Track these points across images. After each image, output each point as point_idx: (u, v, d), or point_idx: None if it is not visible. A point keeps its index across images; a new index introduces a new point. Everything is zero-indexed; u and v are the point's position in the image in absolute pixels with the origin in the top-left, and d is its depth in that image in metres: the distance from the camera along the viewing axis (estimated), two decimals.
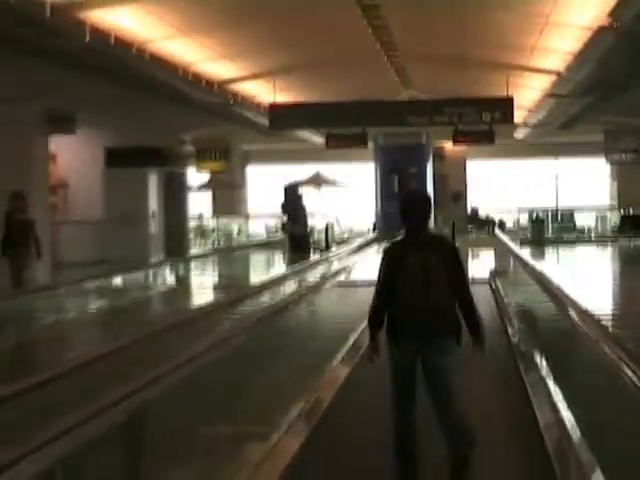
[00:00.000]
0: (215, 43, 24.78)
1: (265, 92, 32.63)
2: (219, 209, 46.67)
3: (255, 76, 30.11)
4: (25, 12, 17.57)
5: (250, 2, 21.99)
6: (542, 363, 11.66)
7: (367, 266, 24.04)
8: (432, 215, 8.37)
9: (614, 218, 44.67)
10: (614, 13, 16.73)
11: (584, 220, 45.82)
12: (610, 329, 9.33)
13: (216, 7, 21.32)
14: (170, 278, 27.06)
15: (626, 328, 15.75)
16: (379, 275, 7.99)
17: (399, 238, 8.28)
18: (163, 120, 32.68)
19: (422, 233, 8.01)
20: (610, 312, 19.37)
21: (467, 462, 7.58)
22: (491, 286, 21.91)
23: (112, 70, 23.13)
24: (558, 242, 42.21)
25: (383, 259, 8.10)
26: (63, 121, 28.85)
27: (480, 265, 22.40)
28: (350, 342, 14.19)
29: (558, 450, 8.17)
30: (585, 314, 9.70)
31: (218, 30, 23.39)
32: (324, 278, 21.18)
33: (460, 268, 8.01)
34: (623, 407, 7.64)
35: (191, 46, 24.35)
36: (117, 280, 22.15)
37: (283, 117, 32.69)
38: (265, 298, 15.95)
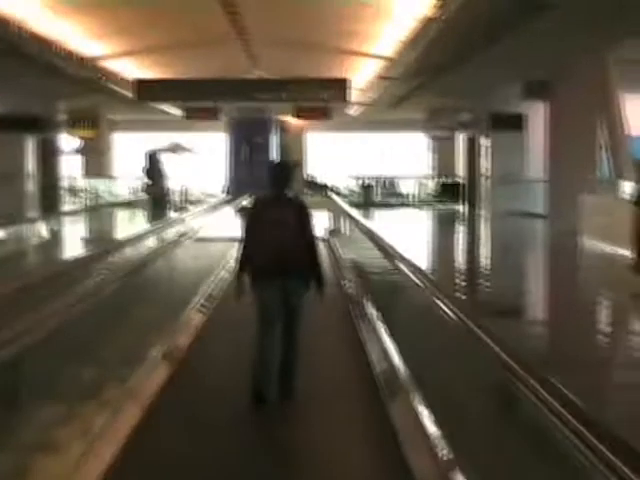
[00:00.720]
0: (88, 23, 24.56)
1: (132, 68, 32.40)
2: (89, 171, 46.21)
3: (123, 54, 29.92)
4: None
5: None
6: (369, 305, 12.31)
7: (219, 224, 24.11)
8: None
9: (432, 185, 45.32)
10: (441, 5, 17.00)
11: (408, 187, 46.53)
12: (426, 272, 9.49)
13: None
14: (43, 232, 26.80)
15: (436, 272, 16.50)
16: (244, 229, 8.59)
17: (261, 197, 8.87)
18: (39, 91, 32.35)
19: (282, 194, 8.55)
20: (425, 261, 19.87)
21: (290, 388, 8.41)
22: (327, 243, 21.98)
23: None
24: (384, 205, 42.62)
25: (248, 214, 8.82)
26: None
27: (316, 225, 22.39)
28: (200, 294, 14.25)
29: (379, 362, 9.21)
30: (405, 262, 10.08)
31: (92, 10, 23.25)
32: (180, 235, 21.11)
33: (309, 222, 8.59)
34: (430, 331, 8.18)
35: (65, 25, 23.99)
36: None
37: (147, 91, 32.76)
38: (128, 252, 15.62)
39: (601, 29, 20.57)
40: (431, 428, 6.87)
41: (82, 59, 28.15)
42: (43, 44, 24.41)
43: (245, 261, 8.46)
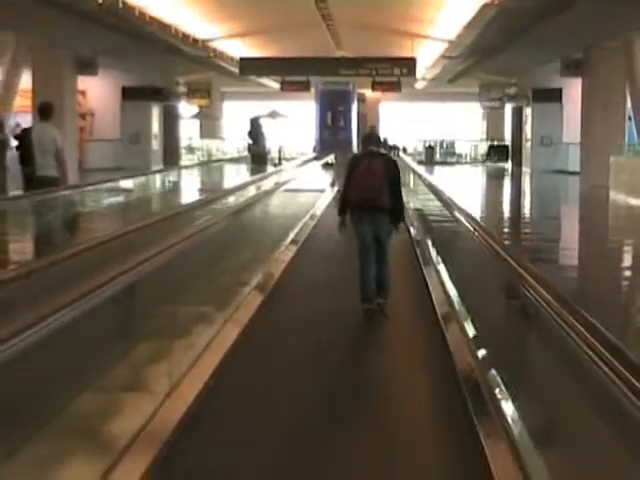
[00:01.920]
0: (201, 8, 24.35)
1: (237, 48, 32.17)
2: (203, 134, 46.47)
3: (230, 36, 29.70)
4: None
5: None
6: (430, 247, 12.25)
7: (308, 177, 23.91)
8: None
9: (483, 147, 44.74)
10: None
11: (463, 148, 46.04)
12: (479, 220, 9.44)
13: None
14: (165, 181, 26.87)
15: (488, 219, 16.42)
16: (345, 175, 9.08)
17: (358, 153, 9.96)
18: (163, 67, 32.74)
19: (373, 151, 9.02)
20: (477, 210, 19.56)
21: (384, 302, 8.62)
22: None
23: (122, 27, 22.52)
24: (444, 163, 42.51)
25: (348, 165, 9.24)
26: (87, 65, 28.57)
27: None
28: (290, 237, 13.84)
29: (439, 297, 8.93)
30: (461, 211, 9.99)
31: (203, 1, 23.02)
32: (276, 184, 21.01)
33: (395, 172, 8.92)
34: (481, 265, 8.19)
35: (182, 10, 23.76)
36: (129, 181, 21.82)
37: (249, 67, 32.72)
38: (233, 198, 15.40)
39: (626, 15, 19.97)
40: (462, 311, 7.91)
41: (196, 40, 27.80)
42: (164, 27, 24.09)
43: (345, 201, 8.88)
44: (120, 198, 19.37)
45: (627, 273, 12.73)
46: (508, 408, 5.21)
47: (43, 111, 12.71)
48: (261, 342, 7.37)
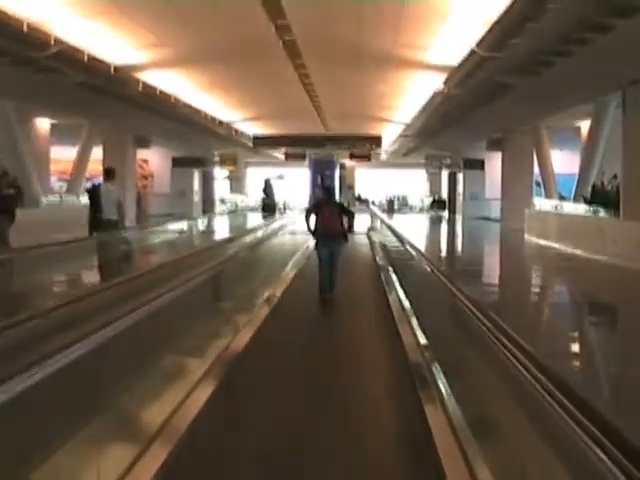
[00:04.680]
0: (223, 98, 23.87)
1: (252, 128, 31.81)
2: (232, 190, 46.01)
3: (246, 119, 29.31)
4: (119, 79, 16.67)
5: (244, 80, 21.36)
6: (390, 269, 12.15)
7: (302, 223, 23.76)
8: (337, 193, 9.46)
9: (428, 200, 44.65)
10: (446, 82, 15.90)
11: (414, 201, 46.21)
12: (423, 251, 9.90)
13: (222, 75, 20.23)
14: (205, 223, 27.39)
15: (428, 251, 15.63)
16: (308, 209, 10.48)
17: (321, 200, 10.39)
18: (201, 142, 32.45)
19: (331, 199, 10.29)
20: (424, 242, 19.77)
21: (331, 297, 9.84)
22: (367, 235, 21.69)
23: (168, 114, 22.35)
24: (400, 211, 42.16)
25: (313, 205, 10.76)
26: (143, 141, 28.45)
27: (361, 224, 22.22)
28: (292, 261, 14.17)
29: (395, 305, 8.82)
30: (412, 246, 10.35)
31: (228, 90, 22.56)
32: (281, 227, 21.06)
33: (342, 206, 10.33)
34: (425, 285, 8.04)
35: (209, 99, 23.30)
36: (179, 223, 22.14)
37: (260, 142, 32.85)
38: (252, 235, 15.96)
39: (533, 110, 20.03)
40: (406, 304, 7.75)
41: (221, 122, 27.44)
42: (196, 112, 23.83)
43: (315, 231, 9.90)
44: (177, 235, 20.04)
45: (536, 290, 12.47)
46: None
47: (107, 173, 12.89)
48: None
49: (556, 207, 21.16)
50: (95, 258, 12.48)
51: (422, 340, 6.47)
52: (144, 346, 5.40)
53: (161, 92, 19.26)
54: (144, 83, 17.83)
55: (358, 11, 12.85)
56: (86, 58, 14.39)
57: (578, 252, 16.14)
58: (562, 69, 13.01)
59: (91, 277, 10.81)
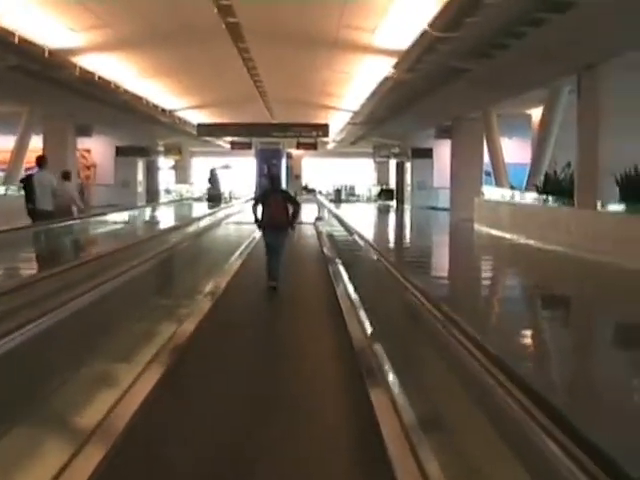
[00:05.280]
0: (168, 85, 23.20)
1: (196, 116, 31.10)
2: (177, 180, 45.20)
3: (190, 107, 28.69)
4: (54, 63, 15.86)
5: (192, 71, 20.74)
6: (338, 261, 11.90)
7: (248, 213, 23.49)
8: (283, 183, 9.25)
9: (375, 190, 44.60)
10: (396, 66, 15.44)
11: (361, 190, 45.80)
12: (371, 240, 9.91)
13: (164, 60, 19.57)
14: (148, 213, 26.89)
15: (376, 240, 15.37)
16: (255, 199, 10.56)
17: (267, 189, 10.47)
18: (145, 131, 32.19)
19: (277, 188, 10.48)
20: (372, 233, 19.73)
21: (277, 285, 9.85)
22: (314, 225, 21.36)
23: (109, 101, 21.34)
24: (348, 201, 42.10)
25: (260, 195, 10.66)
26: (84, 130, 28.09)
27: (308, 214, 22.00)
28: (236, 254, 13.70)
29: (343, 296, 8.67)
30: (358, 234, 10.37)
31: (170, 76, 21.89)
32: (226, 216, 20.76)
33: (292, 198, 10.29)
34: (372, 273, 7.96)
35: (152, 86, 22.54)
36: (122, 214, 21.89)
37: (204, 130, 31.82)
38: (198, 224, 15.64)
39: (483, 96, 19.81)
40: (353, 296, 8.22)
41: (164, 110, 26.69)
42: (137, 99, 22.83)
43: (260, 222, 9.93)
44: (119, 225, 19.66)
45: (487, 282, 12.37)
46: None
47: (40, 162, 12.99)
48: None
49: (510, 196, 20.95)
50: (28, 250, 12.02)
51: (369, 330, 6.49)
52: (66, 347, 4.96)
53: (100, 77, 18.34)
54: (81, 68, 16.92)
55: None
56: (17, 40, 13.43)
57: (531, 242, 16.01)
58: (517, 52, 12.70)
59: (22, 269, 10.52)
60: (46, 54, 14.89)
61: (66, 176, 14.46)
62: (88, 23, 14.32)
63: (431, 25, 11.32)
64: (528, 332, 8.14)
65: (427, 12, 11.25)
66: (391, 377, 4.81)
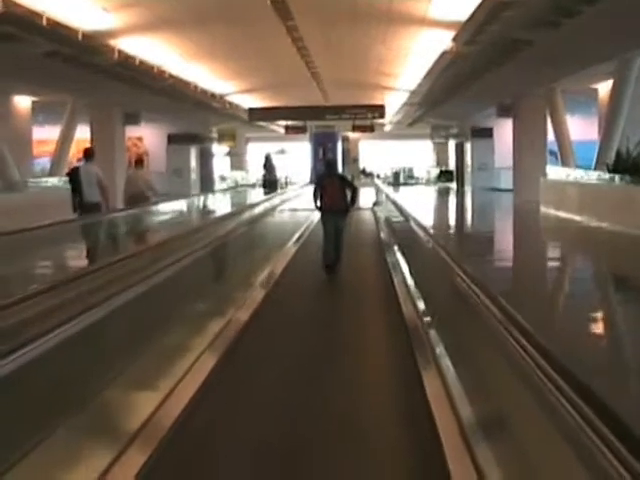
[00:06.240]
0: (215, 68, 22.75)
1: (246, 101, 30.77)
2: (232, 167, 45.04)
3: (240, 92, 28.28)
4: (90, 48, 15.32)
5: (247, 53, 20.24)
6: (395, 248, 11.74)
7: (305, 199, 23.06)
8: (340, 167, 8.95)
9: (435, 172, 43.63)
10: (455, 38, 14.64)
11: (420, 173, 44.91)
12: (429, 228, 9.56)
13: (207, 41, 19.01)
14: (203, 201, 26.31)
15: (435, 227, 15.42)
16: (315, 187, 10.43)
17: (323, 174, 10.74)
18: (197, 118, 31.62)
19: (334, 172, 10.75)
20: (428, 219, 18.81)
21: (337, 266, 10.19)
22: (372, 210, 21.15)
23: (154, 86, 20.71)
24: (406, 184, 41.37)
25: (317, 181, 10.90)
26: (132, 118, 27.64)
27: (366, 199, 21.47)
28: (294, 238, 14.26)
29: (400, 283, 8.61)
30: (415, 221, 9.74)
31: (216, 59, 21.40)
32: (282, 202, 20.58)
33: (349, 182, 10.49)
34: (428, 257, 7.35)
35: (199, 70, 22.12)
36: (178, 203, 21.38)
37: (256, 115, 31.69)
38: (253, 211, 15.45)
39: (547, 72, 19.04)
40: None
41: (214, 95, 26.59)
42: (186, 85, 22.60)
43: (316, 201, 10.20)
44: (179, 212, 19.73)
45: (569, 268, 11.89)
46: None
47: (86, 154, 12.86)
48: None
49: (580, 176, 19.80)
50: (81, 242, 12.14)
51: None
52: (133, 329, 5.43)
53: (141, 62, 17.92)
54: (120, 51, 16.41)
55: None
56: (45, 22, 12.72)
57: (604, 225, 14.90)
58: (589, 19, 11.72)
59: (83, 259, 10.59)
60: (79, 37, 14.26)
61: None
62: (122, 1, 13.80)
63: None
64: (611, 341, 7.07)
65: None
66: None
